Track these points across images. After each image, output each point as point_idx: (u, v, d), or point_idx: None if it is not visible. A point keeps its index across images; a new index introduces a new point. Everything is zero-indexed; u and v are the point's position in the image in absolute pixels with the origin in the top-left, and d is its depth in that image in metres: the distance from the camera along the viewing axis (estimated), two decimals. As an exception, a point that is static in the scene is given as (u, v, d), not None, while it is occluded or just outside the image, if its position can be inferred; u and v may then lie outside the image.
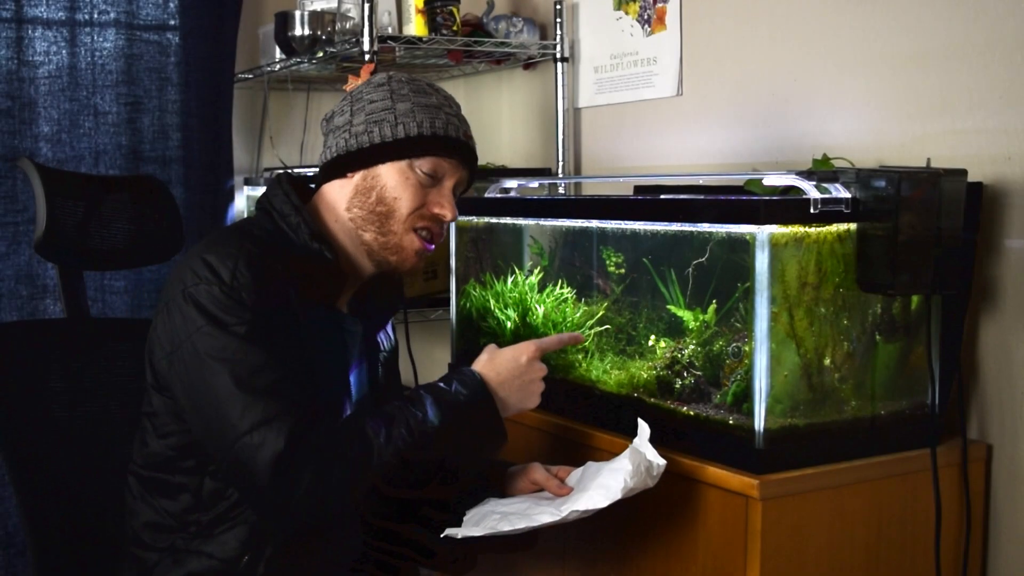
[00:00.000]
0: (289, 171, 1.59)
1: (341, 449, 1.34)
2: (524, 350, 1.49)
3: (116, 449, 1.64)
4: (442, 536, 1.46)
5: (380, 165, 1.49)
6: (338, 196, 1.53)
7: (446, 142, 1.50)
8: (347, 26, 2.50)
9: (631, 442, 1.44)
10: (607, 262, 1.79)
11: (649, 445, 1.42)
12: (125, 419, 1.67)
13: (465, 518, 1.47)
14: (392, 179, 1.49)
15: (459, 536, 1.43)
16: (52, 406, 1.66)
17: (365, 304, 1.62)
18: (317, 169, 1.57)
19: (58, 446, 1.65)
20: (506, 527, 1.40)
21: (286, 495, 1.31)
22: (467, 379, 1.45)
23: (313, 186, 1.58)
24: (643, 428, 1.45)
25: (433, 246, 1.54)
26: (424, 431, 1.38)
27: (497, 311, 1.98)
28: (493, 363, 1.48)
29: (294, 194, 1.51)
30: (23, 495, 1.59)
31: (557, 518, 1.39)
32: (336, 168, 1.52)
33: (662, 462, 1.42)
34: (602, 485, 1.40)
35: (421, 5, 2.50)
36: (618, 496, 1.38)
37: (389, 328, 1.76)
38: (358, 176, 1.51)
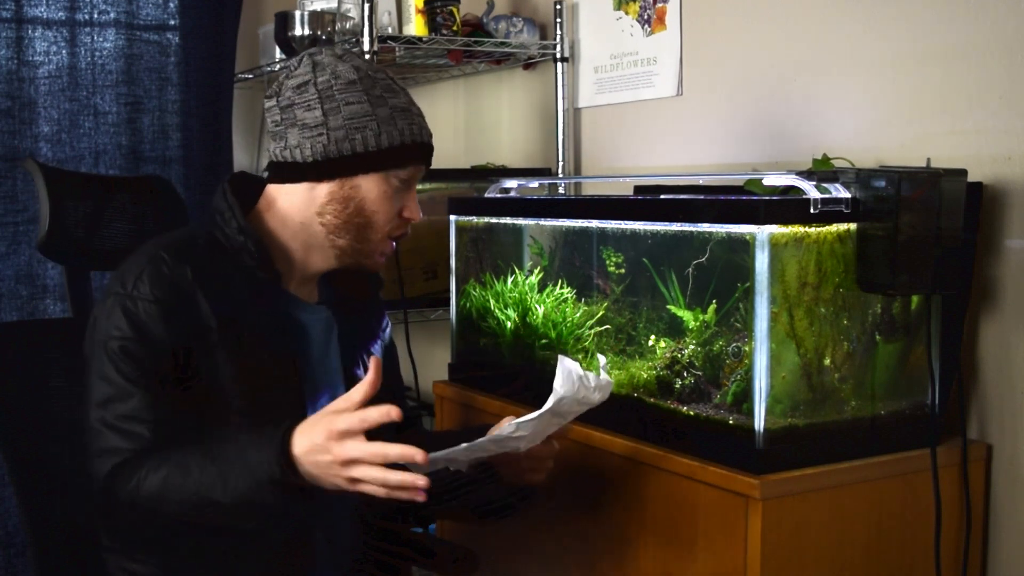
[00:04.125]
0: (244, 172, 1.60)
1: (133, 491, 1.35)
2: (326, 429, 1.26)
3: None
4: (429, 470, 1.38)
5: (360, 175, 1.47)
6: (306, 199, 1.49)
7: (423, 149, 1.52)
8: (347, 26, 2.50)
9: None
10: (607, 262, 1.79)
11: (604, 371, 1.43)
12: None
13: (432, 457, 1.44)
14: (372, 191, 1.48)
15: (440, 464, 1.39)
16: (55, 406, 1.66)
17: (338, 292, 1.63)
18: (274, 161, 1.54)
19: (60, 446, 1.64)
20: (464, 446, 1.37)
21: (102, 520, 1.45)
22: (269, 482, 1.28)
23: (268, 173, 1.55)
24: (600, 359, 1.47)
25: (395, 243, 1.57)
26: (196, 499, 1.32)
27: (497, 311, 1.98)
28: (305, 458, 1.27)
29: (231, 191, 1.49)
30: (23, 495, 1.59)
31: (508, 431, 1.38)
32: (309, 171, 1.47)
33: (607, 378, 1.41)
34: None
35: (421, 5, 2.50)
36: (549, 404, 1.36)
37: (387, 331, 1.76)
38: (334, 184, 1.48)
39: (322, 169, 1.47)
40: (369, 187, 1.48)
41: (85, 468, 1.42)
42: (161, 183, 1.90)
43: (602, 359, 1.48)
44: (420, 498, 1.24)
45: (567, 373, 1.37)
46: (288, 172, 1.49)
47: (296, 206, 1.50)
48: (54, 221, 1.69)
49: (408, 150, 1.49)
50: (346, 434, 1.23)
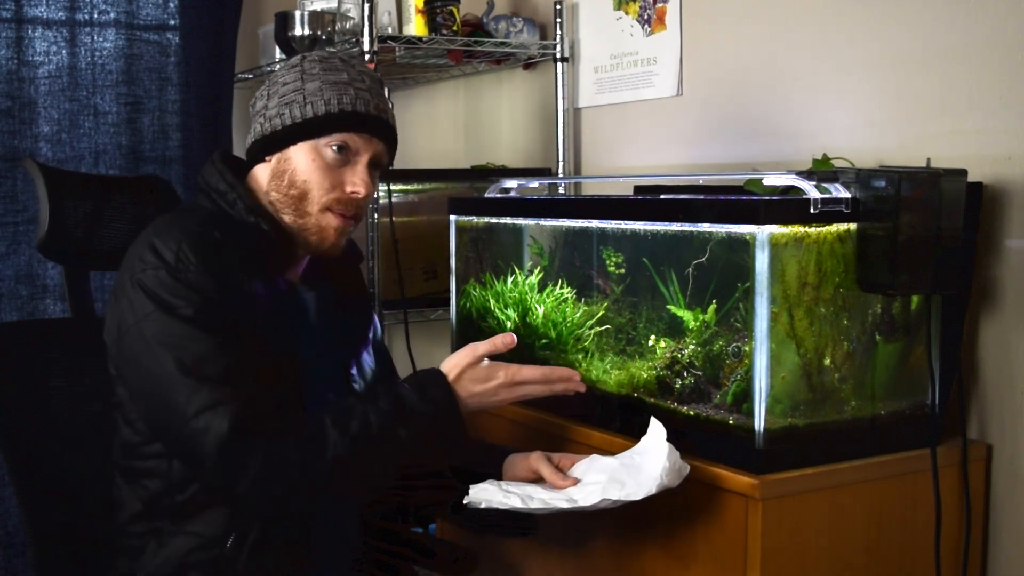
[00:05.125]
0: (225, 149, 1.61)
1: (293, 439, 1.34)
2: (498, 373, 1.46)
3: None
4: (465, 501, 1.47)
5: (291, 147, 1.50)
6: (262, 179, 1.54)
7: (353, 117, 1.49)
8: (347, 26, 2.50)
9: (650, 438, 1.46)
10: (607, 262, 1.79)
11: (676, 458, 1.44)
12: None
13: (470, 492, 1.48)
14: (301, 161, 1.49)
15: (482, 505, 1.44)
16: (55, 406, 1.65)
17: (321, 275, 1.63)
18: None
19: (60, 446, 1.64)
20: (539, 505, 1.43)
21: (233, 480, 1.32)
22: (436, 393, 1.42)
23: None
24: (659, 428, 1.47)
25: (354, 222, 1.54)
26: (383, 434, 1.37)
27: (497, 311, 1.98)
28: (464, 380, 1.45)
29: (228, 172, 1.52)
30: (23, 495, 1.58)
31: (590, 502, 1.42)
32: (256, 152, 1.54)
33: (687, 466, 1.44)
34: (637, 478, 1.42)
35: (421, 5, 2.51)
36: (653, 491, 1.40)
37: (376, 319, 1.77)
38: (274, 160, 1.52)
39: (262, 147, 1.52)
40: (299, 157, 1.50)
41: (171, 439, 1.38)
42: (160, 183, 1.90)
43: (659, 429, 1.47)
44: (581, 388, 1.52)
45: (676, 468, 1.41)
46: (249, 157, 1.56)
47: (260, 189, 1.54)
48: (54, 221, 1.69)
49: (334, 118, 1.48)
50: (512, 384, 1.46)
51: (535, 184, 2.12)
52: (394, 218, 2.38)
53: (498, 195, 2.08)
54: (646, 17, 2.38)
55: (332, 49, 2.48)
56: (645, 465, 1.42)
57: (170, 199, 1.86)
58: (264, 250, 1.50)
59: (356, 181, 1.50)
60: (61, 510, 1.61)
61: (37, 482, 1.60)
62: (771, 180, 1.57)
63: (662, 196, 1.79)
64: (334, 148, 1.49)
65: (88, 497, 1.62)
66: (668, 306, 1.64)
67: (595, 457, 1.52)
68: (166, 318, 1.37)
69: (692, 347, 1.62)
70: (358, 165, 1.51)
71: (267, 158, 1.53)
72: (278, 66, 2.70)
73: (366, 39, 2.34)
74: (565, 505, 1.43)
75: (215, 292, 1.39)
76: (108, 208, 1.75)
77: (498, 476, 1.58)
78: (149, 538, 1.47)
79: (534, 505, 1.44)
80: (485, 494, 1.47)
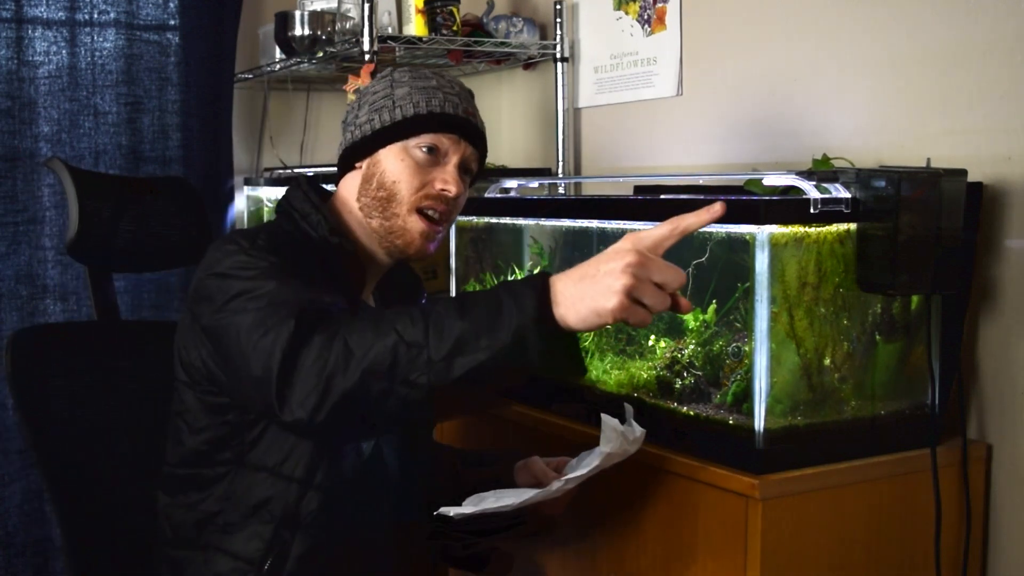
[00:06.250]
0: (305, 174, 1.60)
1: (349, 325, 1.24)
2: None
3: (154, 450, 1.59)
4: (434, 513, 1.47)
5: (380, 151, 1.51)
6: (350, 188, 1.54)
7: (442, 118, 1.50)
8: (347, 26, 2.50)
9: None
10: (607, 262, 1.78)
11: (631, 420, 1.47)
12: (162, 419, 1.61)
13: (464, 502, 1.48)
14: (390, 163, 1.49)
15: (451, 514, 1.44)
16: (86, 410, 1.63)
17: (388, 297, 1.63)
18: (324, 169, 1.58)
19: (97, 453, 1.62)
20: (492, 503, 1.43)
21: (294, 375, 1.23)
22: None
23: (333, 187, 1.60)
24: (627, 409, 1.49)
25: (441, 229, 1.51)
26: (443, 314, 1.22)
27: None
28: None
29: (313, 193, 1.53)
30: (58, 498, 1.57)
31: (541, 491, 1.44)
32: (346, 162, 1.55)
33: (640, 429, 1.45)
34: (584, 458, 1.46)
35: (421, 5, 2.51)
36: (596, 462, 1.42)
37: None
38: (364, 165, 1.53)
39: (352, 155, 1.53)
40: (388, 159, 1.50)
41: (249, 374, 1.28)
42: (183, 184, 1.89)
43: (629, 409, 1.49)
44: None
45: (610, 432, 1.41)
46: (338, 170, 1.58)
47: (345, 202, 1.55)
48: (83, 222, 1.67)
49: (423, 119, 1.49)
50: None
51: (535, 184, 2.13)
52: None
53: (498, 195, 2.08)
54: (646, 17, 2.38)
55: (332, 50, 2.49)
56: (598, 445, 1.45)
57: (192, 200, 1.85)
58: (344, 270, 1.48)
59: (447, 179, 1.50)
60: (98, 521, 1.59)
61: (73, 485, 1.58)
62: (771, 180, 1.57)
63: (662, 196, 1.79)
64: (424, 149, 1.49)
65: (125, 499, 1.60)
66: (668, 306, 1.64)
67: (582, 453, 1.53)
68: (239, 283, 1.33)
69: (692, 347, 1.62)
70: (448, 165, 1.51)
71: (357, 165, 1.54)
72: (278, 65, 2.71)
73: (366, 39, 2.34)
74: (521, 498, 1.44)
75: (286, 268, 1.36)
76: (132, 209, 1.74)
77: (509, 483, 1.60)
78: (197, 552, 1.45)
79: (490, 504, 1.44)
80: (469, 503, 1.47)
